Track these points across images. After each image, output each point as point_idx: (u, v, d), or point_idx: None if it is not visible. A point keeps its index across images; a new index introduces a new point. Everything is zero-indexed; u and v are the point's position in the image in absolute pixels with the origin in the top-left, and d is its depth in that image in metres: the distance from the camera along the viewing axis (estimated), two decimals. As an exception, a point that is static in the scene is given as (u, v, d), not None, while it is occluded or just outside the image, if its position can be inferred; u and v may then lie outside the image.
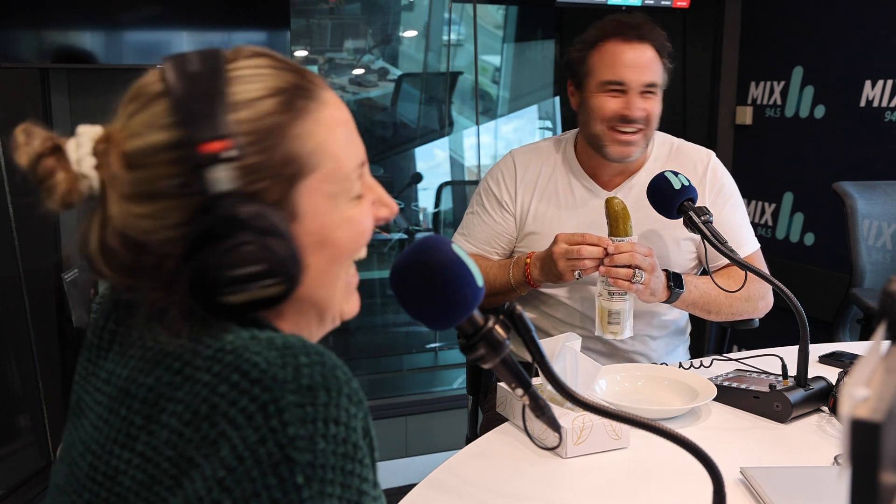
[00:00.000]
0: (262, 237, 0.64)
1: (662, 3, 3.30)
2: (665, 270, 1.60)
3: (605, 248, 1.51)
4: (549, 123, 4.37)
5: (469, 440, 1.66)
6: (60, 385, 2.76)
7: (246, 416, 0.59)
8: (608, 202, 1.55)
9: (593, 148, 1.71)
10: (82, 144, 0.66)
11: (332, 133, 0.71)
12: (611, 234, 1.54)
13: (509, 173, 1.80)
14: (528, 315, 1.52)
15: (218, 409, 0.60)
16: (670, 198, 1.54)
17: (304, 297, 0.70)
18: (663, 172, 1.57)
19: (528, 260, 1.65)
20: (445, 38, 3.96)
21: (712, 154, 1.80)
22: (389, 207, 0.78)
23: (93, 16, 2.61)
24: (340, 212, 0.72)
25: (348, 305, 0.77)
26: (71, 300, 2.47)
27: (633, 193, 1.73)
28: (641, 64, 1.63)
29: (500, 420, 1.42)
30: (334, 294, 0.74)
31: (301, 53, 3.68)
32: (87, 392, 0.72)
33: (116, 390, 0.67)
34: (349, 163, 0.73)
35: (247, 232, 0.64)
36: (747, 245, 1.77)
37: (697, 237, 1.69)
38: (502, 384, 1.37)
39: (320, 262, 0.71)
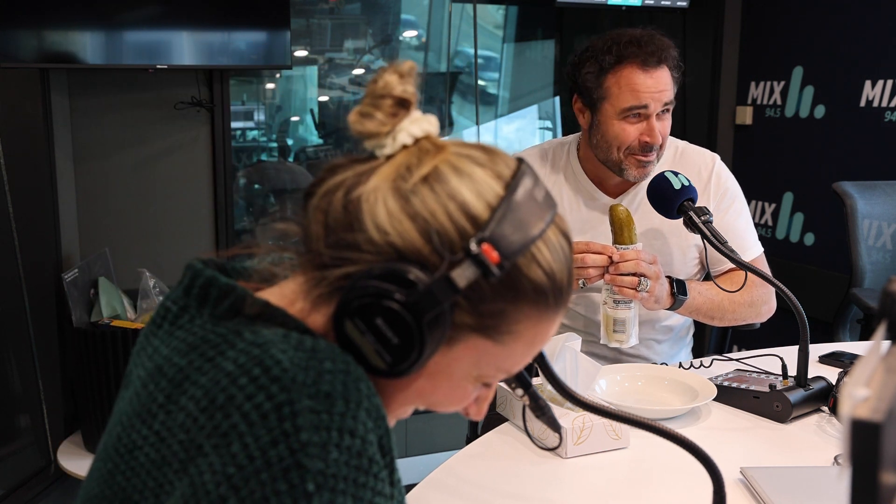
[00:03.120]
0: (426, 330, 0.64)
1: (662, 3, 3.30)
2: (669, 277, 1.59)
3: (610, 257, 1.50)
4: (549, 123, 4.37)
5: (469, 440, 1.66)
6: (60, 385, 2.76)
7: (260, 414, 0.59)
8: (612, 210, 1.53)
9: (608, 167, 1.68)
10: (418, 124, 0.68)
11: (532, 340, 0.71)
12: (615, 241, 1.53)
13: None
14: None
15: (234, 400, 0.60)
16: (670, 198, 1.54)
17: (376, 384, 0.68)
18: (663, 172, 1.57)
19: None
20: (445, 38, 3.96)
21: (717, 158, 1.79)
22: (478, 410, 0.77)
23: (93, 16, 2.61)
24: (464, 381, 0.71)
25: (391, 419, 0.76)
26: (71, 300, 2.47)
27: (637, 201, 1.72)
28: (660, 87, 1.60)
29: (500, 420, 1.42)
30: (390, 409, 0.73)
31: (301, 53, 3.68)
32: (136, 365, 0.72)
33: (154, 367, 0.68)
34: (514, 364, 0.72)
35: (423, 318, 0.64)
36: (751, 249, 1.76)
37: (701, 243, 1.68)
38: (502, 384, 1.37)
39: (413, 384, 0.70)
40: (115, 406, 0.74)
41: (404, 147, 0.68)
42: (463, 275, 0.64)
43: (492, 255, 0.64)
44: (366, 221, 0.65)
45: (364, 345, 0.65)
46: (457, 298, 0.65)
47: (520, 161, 0.70)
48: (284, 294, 0.71)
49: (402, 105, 0.68)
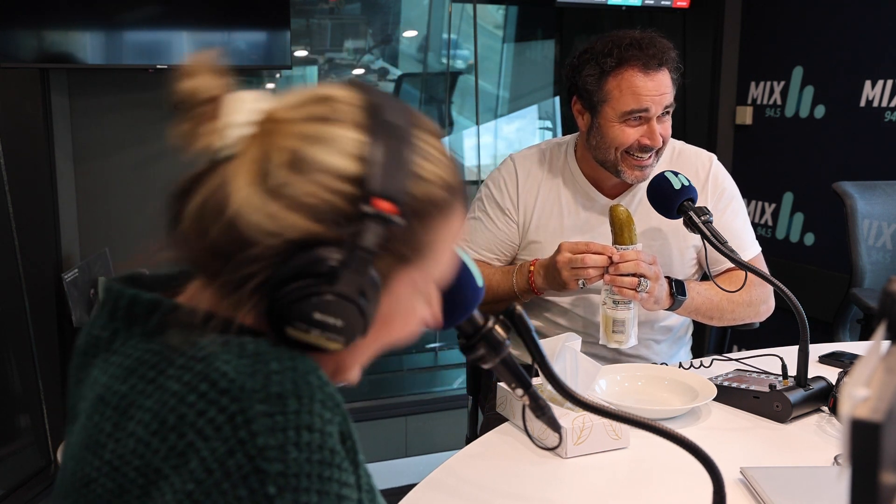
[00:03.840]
0: (362, 300, 0.64)
1: (662, 3, 3.30)
2: (668, 278, 1.59)
3: (610, 257, 1.50)
4: (549, 123, 4.37)
5: (469, 440, 1.66)
6: (60, 385, 2.76)
7: (214, 428, 0.58)
8: (612, 210, 1.53)
9: (606, 168, 1.68)
10: (242, 111, 0.65)
11: (452, 242, 0.73)
12: (615, 242, 1.52)
13: (511, 179, 1.78)
14: (532, 322, 1.51)
15: (186, 419, 0.59)
16: (670, 198, 1.54)
17: (336, 355, 0.69)
18: (663, 172, 1.57)
19: (532, 267, 1.64)
20: (445, 38, 3.96)
21: (714, 158, 1.80)
22: (433, 313, 0.77)
23: (93, 16, 2.61)
24: (413, 307, 0.72)
25: (355, 376, 0.77)
26: (71, 300, 2.47)
27: (637, 201, 1.72)
28: (661, 90, 1.59)
29: (500, 420, 1.42)
30: (357, 365, 0.73)
31: (301, 53, 3.68)
32: (79, 399, 0.71)
33: (95, 397, 0.67)
34: (447, 267, 0.74)
35: (355, 292, 0.64)
36: (749, 249, 1.76)
37: (699, 244, 1.68)
38: (502, 384, 1.37)
39: (370, 338, 0.70)
40: (65, 441, 0.73)
41: (242, 141, 0.65)
42: (371, 237, 0.64)
43: (386, 206, 0.64)
44: (254, 236, 0.63)
45: (312, 339, 0.65)
46: (381, 253, 0.65)
47: (354, 86, 0.69)
48: (203, 298, 0.69)
49: (213, 101, 0.65)
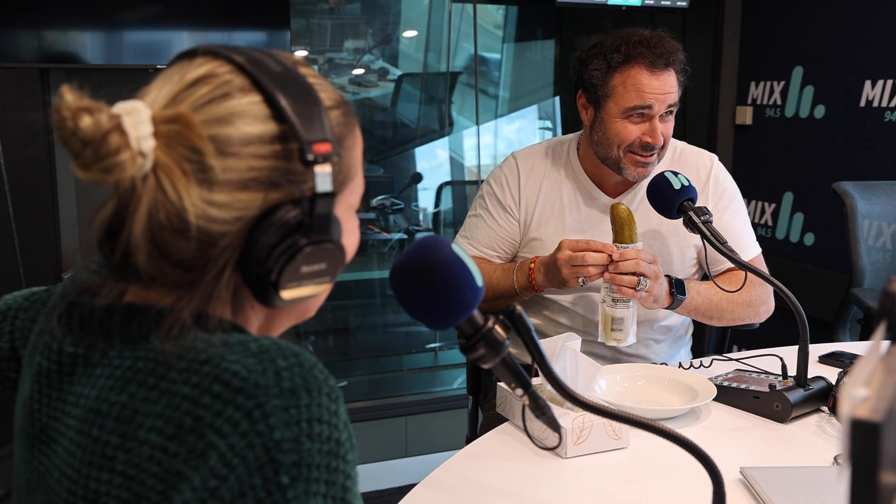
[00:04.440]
0: (335, 236, 0.69)
1: (662, 2, 3.30)
2: (668, 277, 1.59)
3: (610, 255, 1.50)
4: (549, 123, 4.37)
5: (469, 440, 1.66)
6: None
7: (232, 425, 0.60)
8: (613, 208, 1.54)
9: (607, 165, 1.69)
10: (142, 122, 0.63)
11: (360, 148, 0.76)
12: (616, 240, 1.53)
13: (513, 176, 1.79)
14: (532, 320, 1.52)
15: (203, 420, 0.60)
16: (670, 198, 1.54)
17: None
18: (663, 172, 1.57)
19: (532, 265, 1.64)
20: (445, 38, 3.96)
21: (715, 158, 1.80)
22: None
23: (93, 16, 2.62)
24: (352, 223, 0.76)
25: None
26: (71, 300, 2.47)
27: (637, 200, 1.72)
28: (665, 89, 1.60)
29: (500, 420, 1.42)
30: (321, 297, 0.76)
31: (301, 53, 3.68)
32: (53, 419, 0.69)
33: (86, 412, 0.66)
34: (362, 178, 0.77)
35: (329, 235, 0.68)
36: (749, 249, 1.77)
37: (700, 243, 1.68)
38: (502, 384, 1.37)
39: None
40: (28, 465, 0.71)
41: (158, 149, 0.63)
42: (323, 181, 0.67)
43: (324, 147, 0.67)
44: (219, 229, 0.64)
45: (306, 292, 0.68)
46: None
47: (210, 53, 0.69)
48: (156, 296, 0.68)
49: (112, 126, 0.62)
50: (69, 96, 0.61)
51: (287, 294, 0.67)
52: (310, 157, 0.66)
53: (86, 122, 0.61)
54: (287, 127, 0.66)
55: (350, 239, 0.76)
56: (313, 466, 0.60)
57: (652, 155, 1.64)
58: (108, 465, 0.63)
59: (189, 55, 0.70)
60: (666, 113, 1.63)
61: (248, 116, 0.66)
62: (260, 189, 0.65)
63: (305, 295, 0.69)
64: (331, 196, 0.67)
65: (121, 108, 0.63)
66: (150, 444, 0.61)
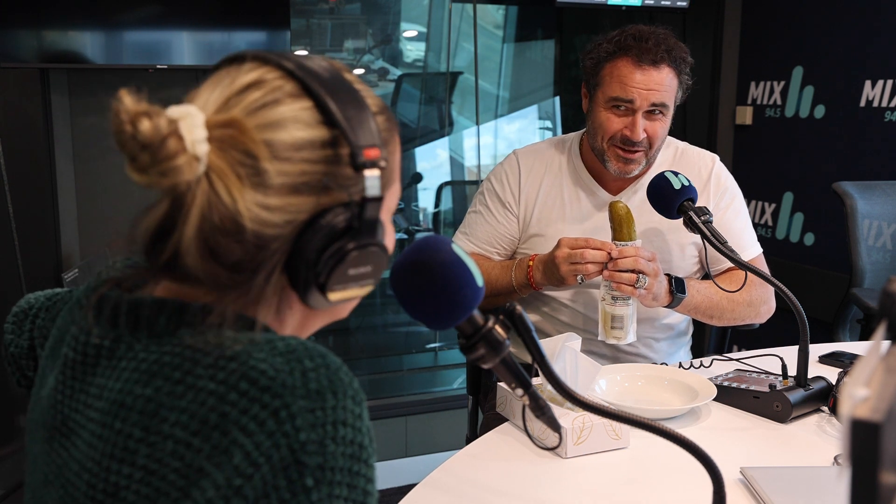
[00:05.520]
0: (378, 240, 0.70)
1: (662, 2, 3.30)
2: (668, 275, 1.59)
3: (609, 253, 1.50)
4: (549, 123, 4.37)
5: (469, 440, 1.66)
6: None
7: (258, 423, 0.60)
8: (612, 206, 1.54)
9: (596, 156, 1.71)
10: (197, 127, 0.63)
11: (399, 153, 0.77)
12: (615, 238, 1.53)
13: (513, 173, 1.79)
14: (531, 318, 1.52)
15: (228, 417, 0.60)
16: (670, 198, 1.54)
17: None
18: (663, 172, 1.57)
19: (531, 262, 1.64)
20: (445, 38, 3.96)
21: (716, 158, 1.80)
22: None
23: (93, 16, 2.62)
24: (390, 226, 0.77)
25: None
26: (71, 300, 2.47)
27: (638, 198, 1.72)
28: (651, 85, 1.61)
29: (500, 420, 1.42)
30: (358, 299, 0.76)
31: (301, 53, 3.68)
32: (75, 410, 0.69)
33: (109, 404, 0.66)
34: (399, 182, 0.79)
35: (371, 234, 0.69)
36: (749, 249, 1.77)
37: (700, 242, 1.68)
38: (502, 384, 1.37)
39: None
40: (46, 458, 0.71)
41: (212, 153, 0.63)
42: (372, 186, 0.68)
43: (374, 153, 0.68)
44: (271, 232, 0.65)
45: (350, 294, 0.69)
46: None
47: (259, 58, 0.70)
48: (191, 292, 0.68)
49: (171, 130, 0.62)
50: (128, 100, 0.61)
51: (334, 296, 0.68)
52: (360, 161, 0.67)
53: (145, 126, 0.61)
54: (337, 132, 0.67)
55: (389, 241, 0.76)
56: (336, 470, 0.60)
57: (635, 152, 1.64)
58: (129, 459, 0.63)
59: (237, 60, 0.70)
60: (654, 111, 1.63)
61: (300, 122, 0.67)
62: (311, 193, 0.66)
63: (350, 296, 0.70)
64: (378, 200, 0.68)
65: (175, 112, 0.63)
66: (173, 438, 0.61)
